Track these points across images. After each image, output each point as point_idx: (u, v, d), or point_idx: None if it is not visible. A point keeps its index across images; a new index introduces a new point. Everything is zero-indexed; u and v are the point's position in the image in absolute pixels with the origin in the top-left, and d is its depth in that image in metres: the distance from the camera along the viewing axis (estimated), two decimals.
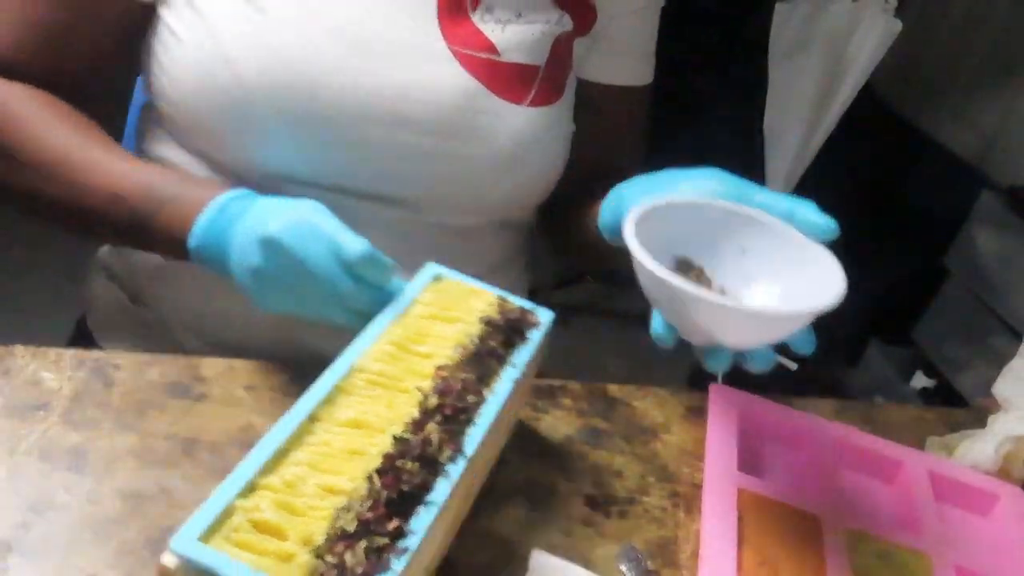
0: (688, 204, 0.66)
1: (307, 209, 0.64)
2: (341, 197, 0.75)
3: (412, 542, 0.48)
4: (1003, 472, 0.83)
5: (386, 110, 0.74)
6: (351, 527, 0.47)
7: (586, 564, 0.63)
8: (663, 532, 0.68)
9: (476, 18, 0.78)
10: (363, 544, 0.47)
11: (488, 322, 0.64)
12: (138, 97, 0.99)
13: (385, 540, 0.47)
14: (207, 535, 0.45)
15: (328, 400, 0.55)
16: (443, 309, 0.65)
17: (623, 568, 0.64)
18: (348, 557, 0.46)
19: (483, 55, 0.77)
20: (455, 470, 0.53)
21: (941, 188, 2.25)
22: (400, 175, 0.76)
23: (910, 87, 2.41)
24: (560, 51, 0.82)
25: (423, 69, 0.75)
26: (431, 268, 0.68)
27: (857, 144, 2.14)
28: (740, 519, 0.68)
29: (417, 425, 0.54)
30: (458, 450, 0.54)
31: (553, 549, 0.63)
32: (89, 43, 0.76)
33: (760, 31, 1.92)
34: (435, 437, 0.54)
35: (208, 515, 0.46)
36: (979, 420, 0.88)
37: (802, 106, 1.90)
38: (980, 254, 1.99)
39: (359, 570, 0.46)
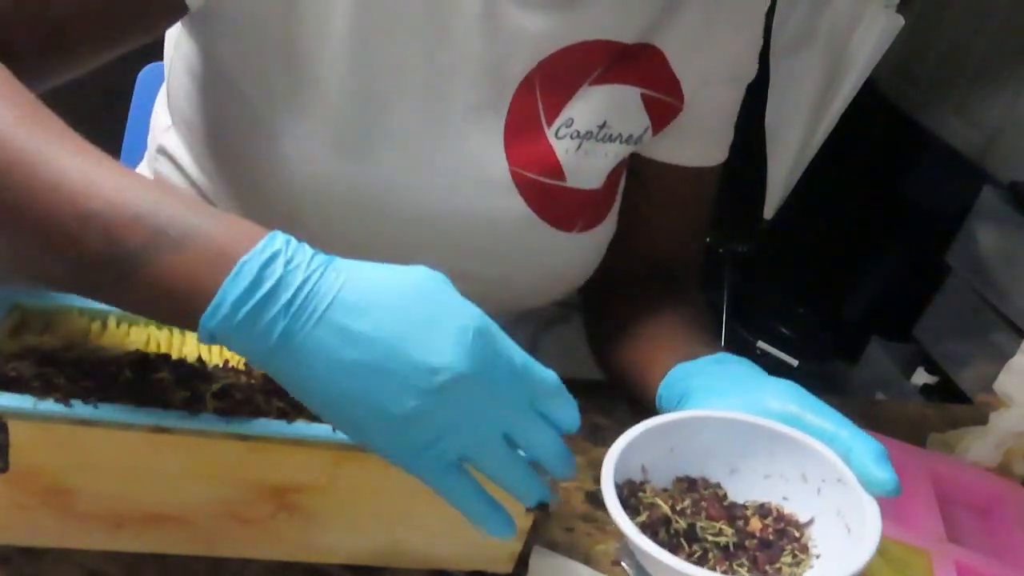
0: (733, 420, 0.59)
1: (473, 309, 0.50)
2: None
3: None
4: (1004, 469, 0.83)
5: (436, 234, 0.71)
6: None
7: (587, 561, 0.63)
8: None
9: (551, 134, 0.73)
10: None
11: None
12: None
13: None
14: None
15: None
16: None
17: (624, 565, 0.64)
18: None
19: (547, 180, 0.73)
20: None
21: (942, 184, 2.25)
22: None
23: (912, 83, 2.41)
24: (620, 169, 0.78)
25: (481, 196, 0.72)
26: None
27: (859, 140, 2.14)
28: None
29: None
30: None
31: (554, 546, 0.63)
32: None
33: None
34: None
35: None
36: (980, 417, 0.88)
37: (803, 102, 1.90)
38: (982, 250, 1.99)
39: None
